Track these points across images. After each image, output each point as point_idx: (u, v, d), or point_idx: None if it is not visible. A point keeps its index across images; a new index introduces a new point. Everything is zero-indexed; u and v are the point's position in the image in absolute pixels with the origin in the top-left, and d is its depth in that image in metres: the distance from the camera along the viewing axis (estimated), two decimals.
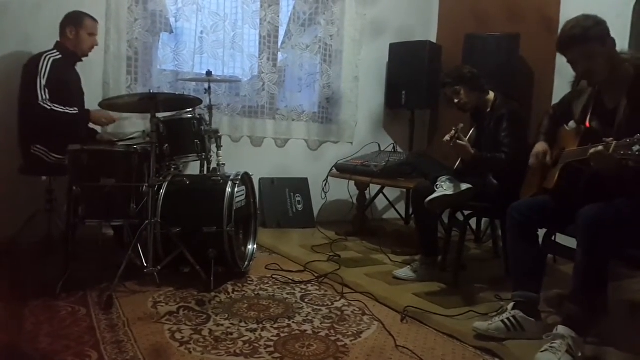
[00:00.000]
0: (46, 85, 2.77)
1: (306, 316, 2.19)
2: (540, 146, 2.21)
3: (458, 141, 2.42)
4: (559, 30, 1.99)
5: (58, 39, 2.95)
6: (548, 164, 2.16)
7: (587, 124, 2.04)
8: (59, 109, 2.78)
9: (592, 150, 1.73)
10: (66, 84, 2.90)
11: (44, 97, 2.75)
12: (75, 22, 2.95)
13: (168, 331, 1.95)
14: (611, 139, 1.66)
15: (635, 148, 1.56)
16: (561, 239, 2.30)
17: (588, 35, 1.89)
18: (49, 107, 2.75)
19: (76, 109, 2.87)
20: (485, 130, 2.75)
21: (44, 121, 2.78)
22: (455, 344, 1.97)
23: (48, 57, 2.83)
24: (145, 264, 2.36)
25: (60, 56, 2.88)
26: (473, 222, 3.73)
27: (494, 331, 1.99)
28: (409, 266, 2.85)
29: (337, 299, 2.43)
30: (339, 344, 1.92)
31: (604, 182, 1.88)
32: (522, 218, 2.12)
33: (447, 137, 2.44)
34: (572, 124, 2.16)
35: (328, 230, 3.92)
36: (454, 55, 3.97)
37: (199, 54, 3.81)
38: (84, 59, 3.05)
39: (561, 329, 1.82)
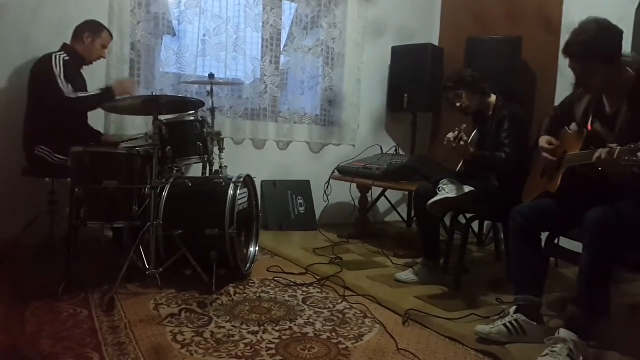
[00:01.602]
0: (65, 79, 2.79)
1: (308, 319, 2.18)
2: (544, 139, 2.20)
3: (461, 142, 2.42)
4: (570, 34, 1.95)
5: (65, 41, 2.97)
6: (558, 149, 2.13)
7: (590, 127, 2.04)
8: (83, 94, 2.80)
9: (596, 155, 1.72)
10: (74, 85, 2.90)
11: (68, 89, 2.78)
12: (94, 29, 3.00)
13: (170, 333, 1.95)
14: (615, 144, 1.65)
15: None
16: (564, 242, 2.29)
17: (592, 52, 1.87)
18: (74, 96, 2.77)
19: (97, 89, 2.89)
20: (487, 132, 2.75)
21: (73, 112, 2.80)
22: (457, 347, 1.97)
23: (59, 56, 2.85)
24: (147, 266, 2.36)
25: (68, 58, 2.90)
26: (475, 225, 3.73)
27: (496, 335, 1.98)
28: (410, 269, 2.85)
29: (339, 301, 2.43)
30: (341, 346, 1.91)
31: (608, 185, 1.87)
32: (524, 221, 2.12)
33: (450, 137, 2.44)
34: (574, 126, 2.16)
35: (330, 233, 3.92)
36: (456, 58, 3.97)
37: (201, 57, 3.82)
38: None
39: (563, 333, 1.81)
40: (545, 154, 2.17)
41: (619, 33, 1.91)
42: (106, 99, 2.84)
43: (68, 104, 2.76)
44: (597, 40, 1.87)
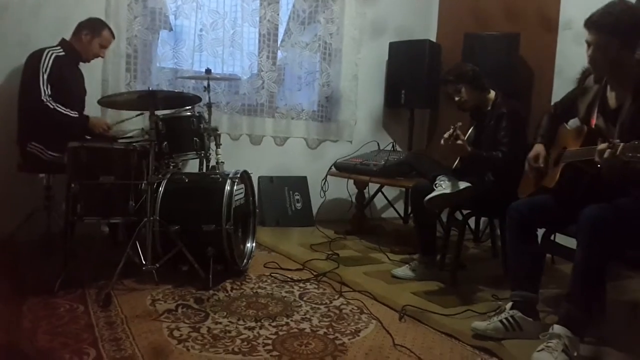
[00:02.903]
0: (48, 80, 2.76)
1: (304, 314, 2.19)
2: (536, 149, 2.21)
3: (457, 141, 2.43)
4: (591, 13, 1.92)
5: (64, 37, 2.95)
6: (541, 168, 2.16)
7: (593, 121, 2.03)
8: (61, 109, 2.76)
9: (598, 149, 1.70)
10: (67, 81, 2.88)
11: (46, 92, 2.74)
12: (94, 28, 2.96)
13: (166, 329, 1.95)
14: (618, 140, 1.65)
15: None
16: (560, 238, 2.30)
17: (614, 28, 1.84)
18: (51, 106, 2.74)
19: (76, 112, 2.85)
20: (485, 128, 2.75)
21: (43, 118, 2.77)
22: (454, 343, 1.98)
23: (50, 52, 2.82)
24: (144, 262, 2.35)
25: (63, 53, 2.88)
26: (472, 221, 3.74)
27: (492, 331, 1.98)
28: (407, 265, 2.86)
29: (336, 297, 2.44)
30: (337, 342, 1.92)
31: (606, 182, 1.87)
32: (521, 217, 2.12)
33: (445, 136, 2.45)
34: (572, 122, 2.15)
35: (327, 229, 3.92)
36: (454, 55, 3.97)
37: (198, 52, 3.81)
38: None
39: (557, 329, 1.82)
40: (526, 167, 2.19)
41: None
42: (79, 123, 2.84)
43: (41, 107, 2.73)
44: (622, 17, 1.84)
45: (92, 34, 2.96)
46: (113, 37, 3.10)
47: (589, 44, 1.94)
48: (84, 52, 2.98)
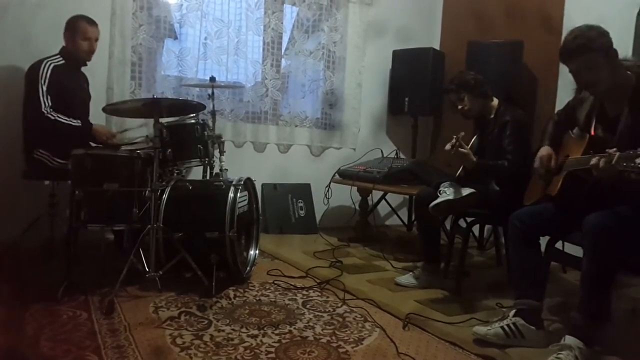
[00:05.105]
0: (47, 91, 2.77)
1: (307, 322, 2.18)
2: (545, 150, 2.20)
3: (460, 149, 2.43)
4: (562, 40, 1.97)
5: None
6: (552, 168, 2.15)
7: (592, 132, 2.03)
8: (63, 119, 2.78)
9: (593, 161, 1.72)
10: (68, 89, 2.89)
11: (47, 104, 2.76)
12: (70, 27, 2.92)
13: (169, 336, 1.95)
14: (614, 149, 1.65)
15: (638, 160, 1.55)
16: (566, 246, 2.29)
17: (592, 46, 1.88)
18: (53, 118, 2.75)
19: (79, 121, 2.86)
20: (488, 137, 2.74)
21: (47, 129, 2.78)
22: (457, 352, 1.96)
23: (48, 62, 2.83)
24: (147, 269, 2.36)
25: (62, 61, 2.89)
26: (476, 229, 3.73)
27: (492, 336, 1.98)
28: (411, 273, 2.84)
29: (339, 305, 2.43)
30: (341, 350, 1.91)
31: (606, 190, 1.87)
32: (523, 226, 2.12)
33: (448, 146, 2.45)
34: (577, 130, 2.16)
35: (330, 236, 3.92)
36: (457, 62, 3.98)
37: (202, 60, 3.83)
38: (88, 63, 3.04)
39: (569, 340, 1.81)
40: (537, 164, 2.18)
41: (607, 33, 1.93)
42: (82, 131, 2.84)
43: (43, 120, 2.74)
44: (591, 34, 1.89)
45: (70, 32, 2.91)
46: (91, 24, 2.95)
47: (577, 72, 1.96)
48: (76, 52, 2.93)
